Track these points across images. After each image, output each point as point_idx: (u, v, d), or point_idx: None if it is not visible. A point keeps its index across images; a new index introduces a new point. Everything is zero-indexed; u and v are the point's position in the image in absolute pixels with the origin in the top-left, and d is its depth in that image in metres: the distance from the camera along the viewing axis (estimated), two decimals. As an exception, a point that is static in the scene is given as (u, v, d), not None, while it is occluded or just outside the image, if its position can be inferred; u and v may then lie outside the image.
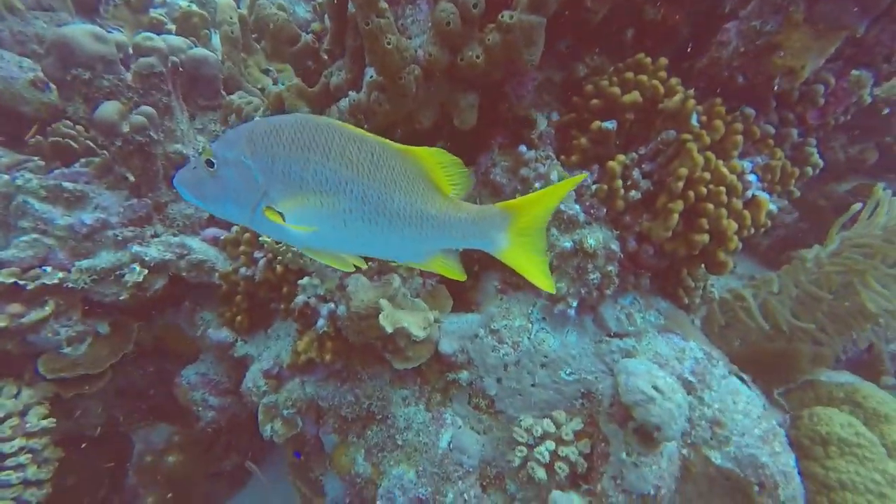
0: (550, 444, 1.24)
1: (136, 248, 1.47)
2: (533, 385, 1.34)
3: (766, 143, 1.07)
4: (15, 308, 1.25)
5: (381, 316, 1.20)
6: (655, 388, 1.09)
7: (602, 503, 1.17)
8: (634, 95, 1.10)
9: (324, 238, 0.79)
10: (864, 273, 1.56)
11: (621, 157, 1.13)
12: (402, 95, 1.13)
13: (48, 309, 1.30)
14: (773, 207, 1.08)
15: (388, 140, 0.77)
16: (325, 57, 1.45)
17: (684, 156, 1.04)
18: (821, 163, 1.16)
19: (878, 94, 1.82)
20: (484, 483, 1.37)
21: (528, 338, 1.36)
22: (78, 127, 1.86)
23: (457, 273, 0.83)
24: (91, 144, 1.80)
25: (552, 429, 1.27)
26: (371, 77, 1.16)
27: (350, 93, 1.30)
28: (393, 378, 1.48)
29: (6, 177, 1.39)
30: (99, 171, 1.61)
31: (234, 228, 1.76)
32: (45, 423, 1.35)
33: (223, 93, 2.01)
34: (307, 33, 1.45)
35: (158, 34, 1.65)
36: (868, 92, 1.23)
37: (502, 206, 0.79)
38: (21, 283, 1.27)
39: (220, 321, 1.75)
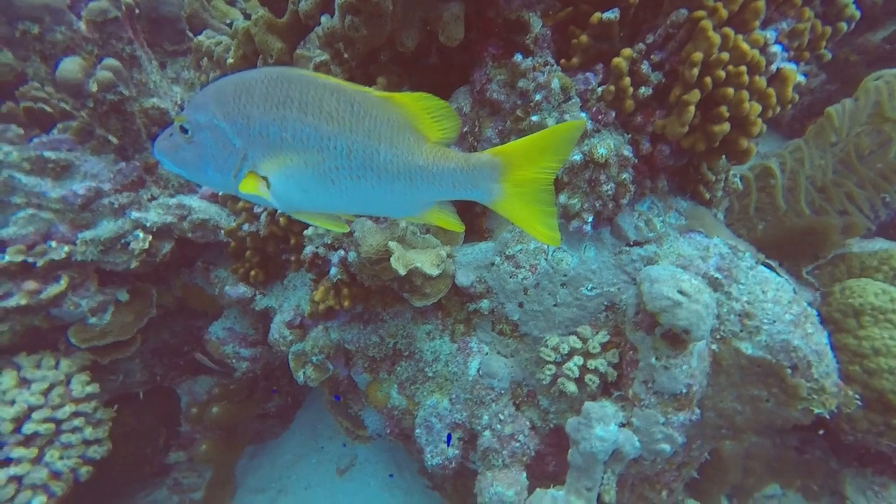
0: (579, 359, 1.26)
1: (134, 213, 1.43)
2: (555, 305, 1.34)
3: (792, 4, 0.94)
4: (30, 285, 1.25)
5: (392, 259, 1.17)
6: (681, 291, 1.07)
7: (635, 406, 1.20)
8: (641, -26, 0.96)
9: (312, 199, 0.74)
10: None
11: (627, 52, 1.01)
12: (378, 16, 1.01)
13: (63, 283, 1.30)
14: (800, 78, 0.98)
15: (367, 88, 0.70)
16: (291, -24, 1.29)
17: (698, 37, 0.93)
18: (857, 13, 1.01)
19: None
20: (517, 402, 1.42)
21: (546, 259, 1.33)
22: (48, 89, 1.74)
23: (454, 224, 0.78)
24: (66, 107, 1.70)
25: (578, 344, 1.28)
26: (343, -3, 1.03)
27: (322, 18, 1.16)
28: (415, 315, 1.49)
29: (-16, 155, 1.32)
30: (79, 135, 1.53)
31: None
32: (89, 388, 1.41)
33: (189, 34, 1.85)
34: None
35: None
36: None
37: (492, 151, 0.72)
38: (30, 260, 1.25)
39: (235, 277, 1.75)
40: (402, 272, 1.14)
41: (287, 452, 2.45)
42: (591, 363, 1.26)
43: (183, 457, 2.16)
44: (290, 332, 1.61)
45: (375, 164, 0.70)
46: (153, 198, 1.61)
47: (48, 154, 1.36)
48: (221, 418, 1.88)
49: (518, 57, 1.16)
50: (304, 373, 1.60)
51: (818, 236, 1.74)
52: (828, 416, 1.17)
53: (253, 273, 1.67)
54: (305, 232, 1.35)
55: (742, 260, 1.28)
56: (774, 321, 1.19)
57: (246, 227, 1.46)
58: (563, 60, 1.16)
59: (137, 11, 1.58)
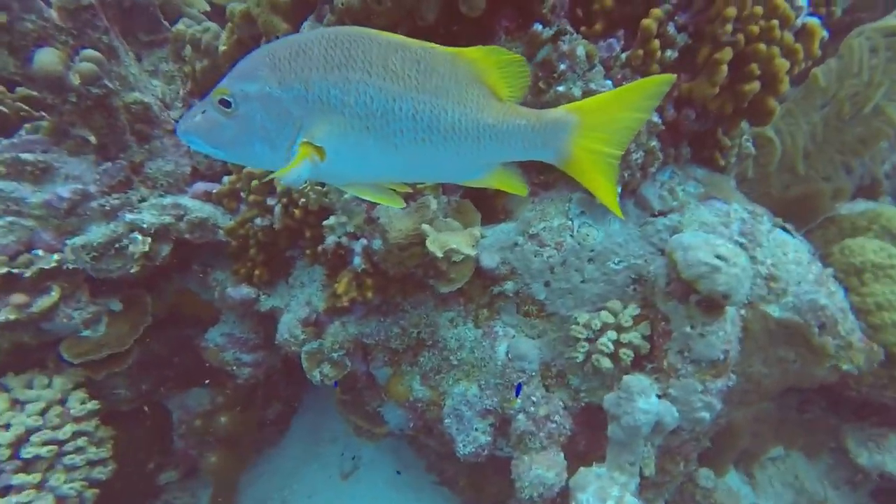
0: (612, 334, 1.25)
1: (129, 216, 1.32)
2: (583, 281, 1.32)
3: None
4: (19, 298, 1.13)
5: (427, 241, 1.13)
6: (718, 256, 1.06)
7: (671, 377, 1.20)
8: (668, -66, 0.95)
9: (372, 167, 0.69)
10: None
11: (657, 11, 1.00)
12: (403, -16, 0.96)
13: (55, 294, 1.19)
14: (825, 33, 0.99)
15: (433, 44, 0.65)
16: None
17: (730, -7, 0.92)
18: None
19: None
20: (547, 383, 1.40)
21: (571, 235, 1.32)
22: None
23: (519, 187, 0.75)
24: (23, 106, 1.55)
25: (610, 319, 1.27)
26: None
27: None
28: (436, 302, 1.44)
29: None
30: (53, 135, 1.40)
31: (227, 179, 1.60)
32: (89, 405, 1.30)
33: (165, 23, 1.73)
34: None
35: None
36: None
37: (567, 107, 0.68)
38: (15, 271, 1.13)
39: (236, 278, 1.65)
40: (440, 254, 1.10)
41: (288, 460, 2.36)
42: (625, 337, 1.25)
43: (175, 476, 2.04)
44: (302, 331, 1.53)
45: (442, 125, 0.66)
46: (142, 199, 1.50)
47: (25, 156, 1.23)
48: (230, 429, 1.79)
49: (538, 27, 1.12)
50: (320, 371, 1.53)
51: (811, 202, 1.80)
52: (856, 372, 1.20)
53: (257, 272, 1.58)
54: (325, 222, 1.29)
55: (761, 224, 1.30)
56: (800, 282, 1.21)
57: (259, 221, 1.38)
58: (583, 28, 1.13)
59: (110, -2, 1.46)
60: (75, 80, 1.20)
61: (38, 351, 1.29)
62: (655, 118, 1.11)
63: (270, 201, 1.36)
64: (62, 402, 1.23)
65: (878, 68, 1.42)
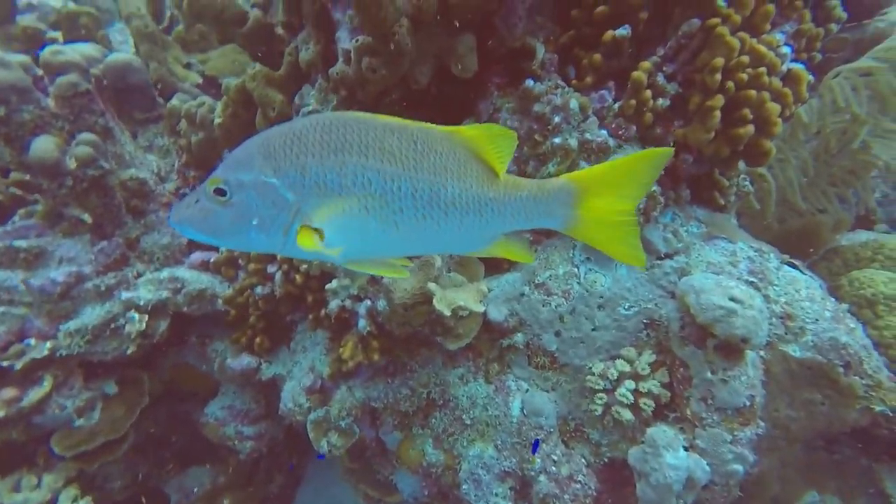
0: (630, 383, 1.20)
1: (125, 293, 1.28)
2: (594, 329, 1.28)
3: (794, 7, 0.98)
4: (9, 393, 1.08)
5: (434, 300, 1.10)
6: (733, 299, 1.04)
7: (696, 426, 1.15)
8: (648, -9, 0.98)
9: (372, 245, 0.70)
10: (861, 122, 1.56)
11: (646, 64, 1.02)
12: (398, 55, 0.98)
13: (46, 385, 1.13)
14: (811, 77, 1.02)
15: (429, 124, 0.67)
16: (282, 31, 1.25)
17: (715, 44, 0.95)
18: (844, 15, 1.08)
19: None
20: (566, 439, 1.33)
21: (578, 282, 1.29)
22: None
23: (524, 255, 0.75)
24: (18, 191, 1.55)
25: (626, 367, 1.23)
26: (357, 42, 0.99)
27: (338, 68, 1.13)
28: (445, 359, 1.39)
29: (-56, 252, 1.16)
30: (47, 219, 1.38)
31: (224, 248, 1.58)
32: (82, 503, 1.21)
33: (159, 100, 1.76)
34: (252, 8, 1.24)
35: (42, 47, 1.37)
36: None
37: (566, 177, 0.70)
38: (5, 364, 1.08)
39: (236, 347, 1.60)
40: (448, 312, 1.07)
41: (293, 536, 2.22)
42: (643, 386, 1.20)
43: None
44: (307, 399, 1.47)
45: (442, 201, 0.67)
46: (139, 275, 1.47)
47: (19, 243, 1.21)
48: (234, 510, 1.68)
49: (529, 82, 1.15)
50: (327, 441, 1.46)
51: (811, 234, 1.80)
52: (891, 413, 1.15)
53: (258, 340, 1.53)
54: (328, 286, 1.26)
55: (769, 261, 1.28)
56: (817, 319, 1.18)
57: (259, 289, 1.34)
58: (574, 81, 1.16)
59: (105, 82, 1.49)
60: (72, 164, 1.20)
61: (28, 446, 1.22)
62: (653, 164, 1.11)
63: (271, 269, 1.34)
64: (52, 503, 1.15)
65: (862, 106, 1.47)
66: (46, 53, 1.23)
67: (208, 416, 1.72)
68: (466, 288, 1.22)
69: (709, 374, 1.12)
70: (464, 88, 1.32)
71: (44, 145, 1.14)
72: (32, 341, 1.15)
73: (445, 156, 0.66)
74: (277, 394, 1.58)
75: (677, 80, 1.05)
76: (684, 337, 1.16)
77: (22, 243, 1.21)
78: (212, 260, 1.61)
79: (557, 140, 1.14)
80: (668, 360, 1.21)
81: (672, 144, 1.13)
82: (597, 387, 1.24)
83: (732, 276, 1.19)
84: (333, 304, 1.28)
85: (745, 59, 0.92)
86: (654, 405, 1.19)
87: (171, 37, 2.09)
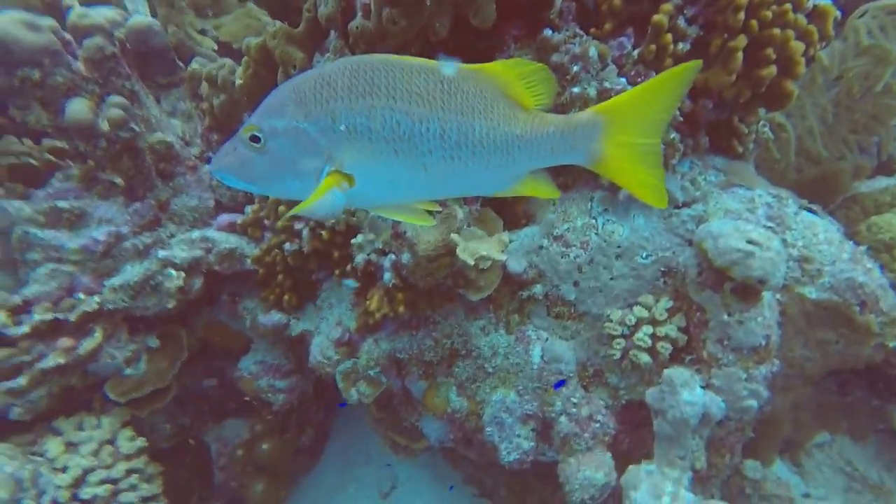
0: (648, 328, 1.24)
1: (162, 252, 1.35)
2: (612, 278, 1.32)
3: None
4: (66, 342, 1.16)
5: (458, 250, 1.14)
6: (750, 241, 1.06)
7: (713, 367, 1.19)
8: (671, -69, 0.97)
9: (401, 190, 0.71)
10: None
11: (667, 7, 1.01)
12: (418, 3, 0.98)
13: (98, 335, 1.21)
14: (838, 13, 1.00)
15: (455, 63, 0.67)
16: (300, -16, 1.26)
17: (740, -17, 0.94)
18: None
19: None
20: (584, 383, 1.39)
21: (596, 233, 1.32)
22: (26, 141, 1.64)
23: (550, 191, 0.75)
24: (51, 157, 1.60)
25: (644, 313, 1.27)
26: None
27: (357, 22, 1.13)
28: (467, 312, 1.45)
29: (-6, 212, 1.23)
30: (84, 181, 1.44)
31: (250, 209, 1.63)
32: (137, 443, 1.32)
33: (180, 63, 1.79)
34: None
35: (57, 10, 1.38)
36: None
37: (594, 109, 0.69)
38: (60, 316, 1.16)
39: (266, 305, 1.67)
40: (471, 262, 1.11)
41: (323, 487, 2.35)
42: (661, 330, 1.25)
43: (218, 512, 2.04)
44: (336, 351, 1.54)
45: (470, 141, 0.67)
46: (171, 235, 1.54)
47: (61, 204, 1.27)
48: (272, 456, 1.79)
49: (548, 32, 1.15)
50: (356, 390, 1.54)
51: (830, 182, 1.79)
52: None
53: (286, 297, 1.60)
54: (354, 240, 1.31)
55: (787, 207, 1.29)
56: (834, 261, 1.20)
57: (288, 246, 1.40)
58: (592, 29, 1.15)
59: (128, 46, 1.52)
60: (105, 126, 1.25)
61: (84, 393, 1.32)
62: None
63: (298, 226, 1.39)
64: (112, 441, 1.25)
65: (888, 45, 1.43)
66: (73, 16, 1.26)
67: (242, 371, 1.82)
68: (488, 239, 1.25)
69: (725, 317, 1.16)
70: (481, 41, 1.32)
71: (78, 107, 1.18)
72: (82, 296, 1.23)
73: (472, 94, 0.66)
74: (305, 348, 1.65)
75: (699, 22, 1.04)
76: (701, 282, 1.19)
77: (64, 204, 1.27)
78: (238, 221, 1.66)
79: (576, 90, 1.14)
80: (685, 306, 1.25)
81: (692, 89, 1.13)
82: (615, 332, 1.29)
83: (751, 221, 1.21)
84: (359, 258, 1.33)
85: (770, -5, 0.91)
86: (671, 348, 1.23)
87: (184, 1, 2.09)
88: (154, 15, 1.97)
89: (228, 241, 1.59)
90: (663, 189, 0.72)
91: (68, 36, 1.30)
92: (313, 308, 1.69)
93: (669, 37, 1.02)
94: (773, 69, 0.98)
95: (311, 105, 0.65)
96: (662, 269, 1.30)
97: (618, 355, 1.28)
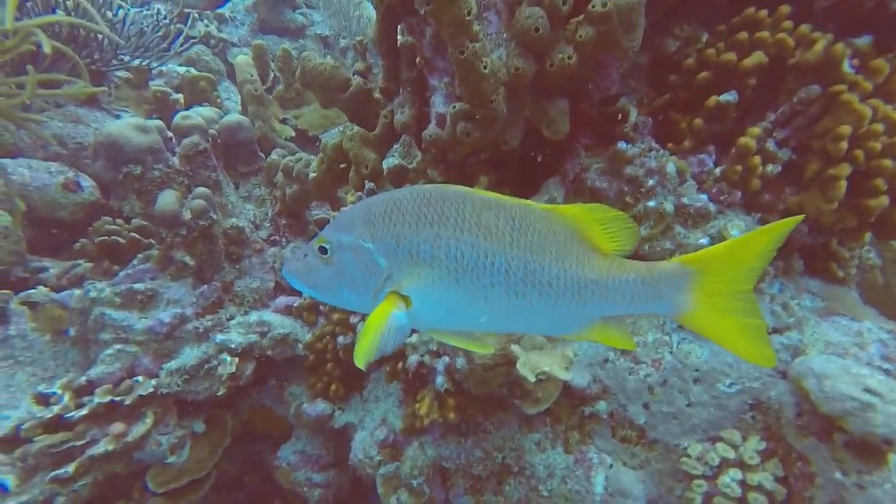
0: (736, 473, 1.07)
1: (219, 336, 1.37)
2: (688, 405, 1.18)
3: None
4: (118, 427, 1.16)
5: (518, 364, 1.06)
6: (868, 390, 0.91)
7: (822, 534, 0.99)
8: (758, 57, 0.94)
9: (459, 317, 0.70)
10: None
11: (755, 130, 0.97)
12: (493, 120, 1.01)
13: (149, 421, 1.21)
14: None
15: (529, 201, 0.68)
16: (379, 96, 1.33)
17: (840, 110, 0.88)
18: None
19: None
20: (657, 526, 1.21)
21: (670, 352, 1.20)
22: (118, 220, 1.79)
23: (624, 340, 0.71)
24: (136, 236, 1.73)
25: (730, 453, 1.10)
26: (455, 108, 1.03)
27: (431, 131, 1.18)
28: (520, 423, 1.33)
29: (79, 292, 1.31)
30: (161, 263, 1.52)
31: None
32: (166, 545, 1.25)
33: (261, 154, 1.93)
34: (354, 76, 1.34)
35: (167, 107, 1.57)
36: None
37: (681, 260, 0.66)
38: (118, 399, 1.18)
39: (312, 393, 1.64)
40: (532, 379, 1.03)
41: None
42: (753, 478, 1.07)
43: None
44: (378, 452, 1.45)
45: (538, 280, 0.66)
46: (231, 317, 1.57)
47: (137, 286, 1.34)
48: (300, 560, 1.66)
49: (622, 145, 1.13)
50: (396, 499, 1.42)
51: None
52: None
53: (333, 387, 1.56)
54: (407, 339, 1.26)
55: (903, 341, 1.13)
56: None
57: (341, 339, 1.38)
58: (670, 144, 1.12)
59: (219, 140, 1.66)
60: (187, 215, 1.32)
61: (126, 480, 1.29)
62: (762, 232, 1.03)
63: (353, 319, 1.37)
64: (145, 537, 1.21)
65: None
66: (178, 118, 1.40)
67: (281, 460, 1.75)
68: (550, 352, 1.17)
69: (838, 475, 0.97)
70: (549, 147, 1.32)
71: (168, 199, 1.27)
72: (140, 378, 1.25)
73: (544, 234, 0.65)
74: (347, 442, 1.58)
75: (790, 146, 0.98)
76: (802, 426, 1.03)
77: (140, 286, 1.33)
78: (295, 304, 1.68)
79: (652, 203, 1.09)
80: (782, 450, 1.08)
81: (781, 211, 1.05)
82: (695, 472, 1.12)
83: (861, 360, 1.05)
84: (412, 359, 1.27)
85: (879, 126, 0.84)
86: (766, 502, 1.05)
87: (271, 95, 2.31)
88: (244, 108, 2.18)
89: (283, 324, 1.59)
90: (768, 347, 0.63)
91: (170, 134, 1.44)
92: (359, 400, 1.63)
93: (757, 159, 0.96)
94: (883, 199, 0.89)
95: (378, 226, 0.67)
96: (750, 401, 1.15)
97: (698, 500, 1.11)
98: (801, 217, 0.62)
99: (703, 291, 0.64)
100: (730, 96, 0.99)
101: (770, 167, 0.99)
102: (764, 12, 0.96)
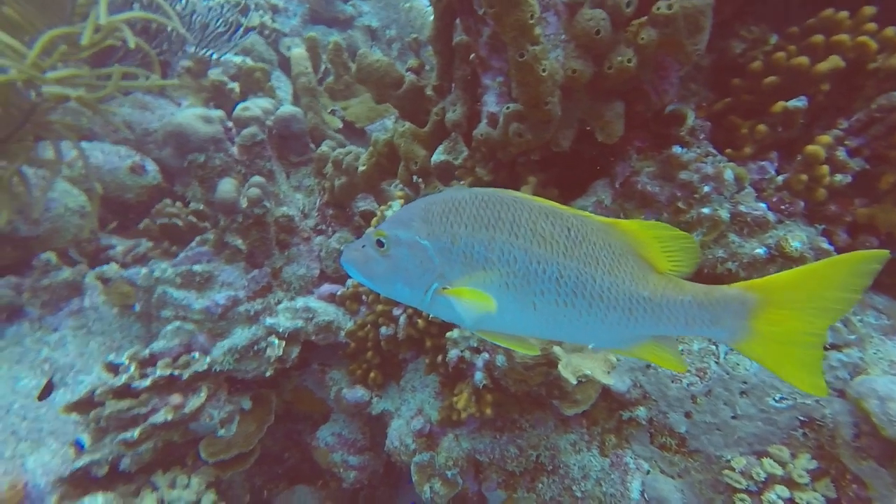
0: (783, 490, 1.04)
1: (269, 320, 1.43)
2: (734, 417, 1.15)
3: None
4: (176, 399, 1.25)
5: (560, 366, 1.07)
6: (934, 415, 0.87)
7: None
8: (834, 61, 0.90)
9: (507, 321, 0.70)
10: None
11: (825, 138, 0.93)
12: (545, 122, 1.00)
13: (203, 394, 1.29)
14: None
15: (587, 213, 0.68)
16: (432, 93, 1.35)
17: (923, 122, 0.83)
18: None
19: None
20: (694, 537, 1.19)
21: (716, 362, 1.17)
22: (178, 203, 1.89)
23: (675, 363, 0.70)
24: (193, 220, 1.82)
25: (777, 470, 1.07)
26: (508, 108, 1.04)
27: (482, 129, 1.19)
28: (556, 423, 1.34)
29: (145, 270, 1.40)
30: (216, 247, 1.61)
31: (350, 282, 1.70)
32: (217, 508, 1.34)
33: (311, 145, 1.99)
34: (407, 73, 1.37)
35: (223, 96, 1.64)
36: None
37: (744, 285, 0.64)
38: (176, 373, 1.26)
39: (351, 379, 1.69)
40: (574, 381, 1.03)
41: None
42: (801, 497, 1.04)
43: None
44: (414, 441, 1.49)
45: (588, 292, 0.66)
46: (279, 302, 1.64)
47: (196, 268, 1.42)
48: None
49: (678, 149, 1.10)
50: (430, 487, 1.45)
51: None
52: None
53: (372, 375, 1.61)
54: (449, 334, 1.29)
55: (976, 366, 1.06)
56: None
57: (384, 329, 1.42)
58: (728, 150, 1.09)
59: (274, 131, 1.72)
60: (244, 203, 1.39)
61: (182, 448, 1.39)
62: (825, 244, 0.99)
63: (396, 311, 1.41)
64: (197, 503, 1.29)
65: None
66: (238, 110, 1.47)
67: (319, 441, 1.82)
68: (592, 355, 1.16)
69: None
70: (601, 149, 1.31)
71: (228, 187, 1.34)
72: (196, 355, 1.33)
73: (599, 246, 0.65)
74: (383, 428, 1.62)
75: (863, 155, 0.93)
76: (860, 448, 0.98)
77: (198, 268, 1.42)
78: (338, 293, 1.74)
79: (706, 210, 1.06)
80: (835, 473, 1.04)
81: (849, 223, 1.00)
82: (738, 485, 1.10)
83: (927, 382, 0.99)
84: (453, 353, 1.30)
85: (965, 138, 0.80)
86: (813, 522, 1.02)
87: (322, 87, 2.37)
88: (295, 99, 2.25)
89: (327, 312, 1.65)
90: (821, 377, 0.61)
91: (230, 123, 1.51)
92: (396, 388, 1.68)
93: (825, 168, 0.92)
94: (965, 214, 0.84)
95: (435, 224, 0.69)
96: (802, 418, 1.11)
97: (740, 516, 1.08)
98: (885, 252, 0.57)
99: (765, 321, 0.62)
100: (799, 102, 0.95)
101: (839, 177, 0.94)
102: (844, 14, 0.91)
